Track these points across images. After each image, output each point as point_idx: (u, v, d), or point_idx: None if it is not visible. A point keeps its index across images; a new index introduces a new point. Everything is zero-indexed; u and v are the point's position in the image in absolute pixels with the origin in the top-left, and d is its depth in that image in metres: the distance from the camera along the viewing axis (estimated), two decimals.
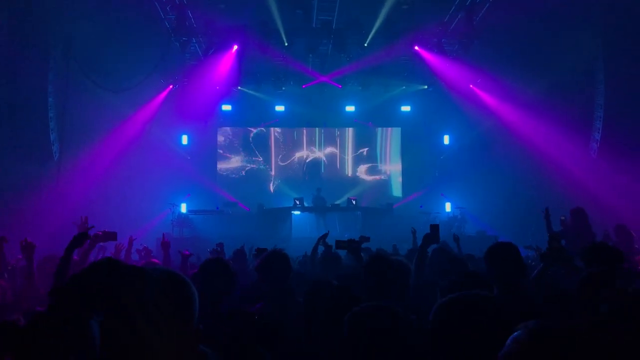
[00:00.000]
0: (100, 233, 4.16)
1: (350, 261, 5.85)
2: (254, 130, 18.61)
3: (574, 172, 12.51)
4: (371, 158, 19.41)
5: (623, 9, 11.57)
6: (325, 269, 5.30)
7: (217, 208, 15.89)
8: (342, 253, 5.77)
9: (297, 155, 19.37)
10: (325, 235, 6.42)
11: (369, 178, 19.10)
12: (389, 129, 19.06)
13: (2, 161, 10.86)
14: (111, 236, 4.15)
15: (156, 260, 6.39)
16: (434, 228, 4.27)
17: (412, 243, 7.41)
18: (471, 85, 15.47)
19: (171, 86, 15.80)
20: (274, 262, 3.78)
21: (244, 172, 18.34)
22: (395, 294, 3.43)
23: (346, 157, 19.69)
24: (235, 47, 14.61)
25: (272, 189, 18.76)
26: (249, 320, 2.78)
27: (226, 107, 17.06)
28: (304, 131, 19.45)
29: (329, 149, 19.62)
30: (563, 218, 6.78)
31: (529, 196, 13.55)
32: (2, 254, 4.83)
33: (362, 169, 19.54)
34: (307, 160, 19.33)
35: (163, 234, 5.07)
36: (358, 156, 19.57)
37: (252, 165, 18.66)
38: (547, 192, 12.62)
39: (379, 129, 19.04)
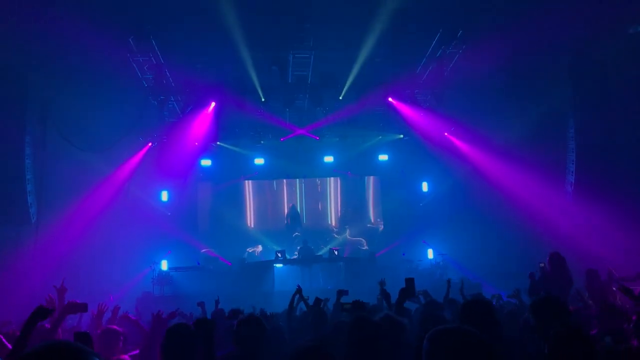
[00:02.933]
0: (69, 303, 4.10)
1: (336, 316, 5.79)
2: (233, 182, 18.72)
3: (551, 215, 12.70)
4: (353, 208, 19.51)
5: (590, 55, 12.09)
6: (310, 328, 5.16)
7: (198, 264, 15.71)
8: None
9: (278, 207, 19.42)
10: (298, 291, 6.36)
11: (351, 228, 19.13)
12: (370, 177, 19.27)
13: None
14: (80, 307, 4.09)
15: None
16: (409, 281, 4.29)
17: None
18: (446, 134, 15.81)
19: (150, 144, 15.87)
20: (245, 329, 3.73)
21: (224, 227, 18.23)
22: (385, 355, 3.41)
23: (328, 208, 19.77)
24: (213, 104, 14.85)
25: (254, 242, 18.68)
26: None
27: (205, 162, 17.14)
28: (284, 183, 19.57)
29: (310, 199, 19.71)
30: (542, 265, 6.85)
31: (509, 241, 13.70)
32: None
33: (344, 219, 19.60)
34: (288, 212, 19.34)
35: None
36: (339, 206, 19.68)
37: (233, 219, 18.63)
38: (525, 236, 12.77)
39: (359, 179, 19.22)
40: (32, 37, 10.52)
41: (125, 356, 4.35)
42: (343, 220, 19.49)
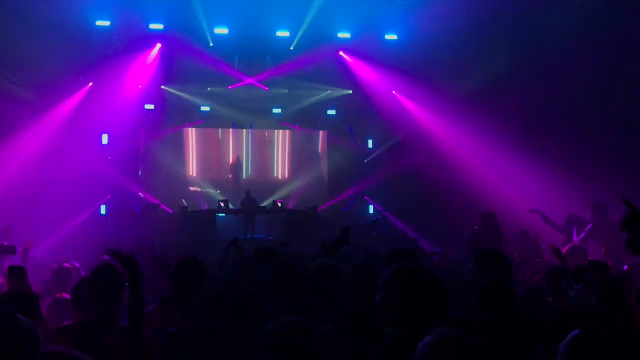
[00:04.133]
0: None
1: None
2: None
3: (491, 178, 13.10)
4: (299, 160, 19.57)
5: (532, 18, 12.37)
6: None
7: (138, 210, 15.45)
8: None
9: (223, 157, 19.22)
10: (233, 241, 6.40)
11: (296, 181, 19.21)
12: (318, 132, 19.26)
13: None
14: (8, 249, 4.02)
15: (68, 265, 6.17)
16: (345, 231, 4.40)
17: None
18: (394, 91, 15.90)
19: (91, 84, 15.21)
20: (184, 271, 3.73)
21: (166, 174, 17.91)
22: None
23: (275, 160, 19.75)
24: (159, 45, 14.31)
25: (194, 190, 18.52)
26: None
27: (149, 107, 16.61)
28: (230, 132, 19.32)
29: (256, 151, 19.62)
30: (476, 228, 7.10)
31: (448, 201, 14.12)
32: None
33: (290, 171, 19.67)
34: (232, 163, 19.21)
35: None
36: (286, 158, 19.70)
37: (175, 167, 18.34)
38: (464, 197, 13.17)
39: (306, 133, 19.20)
40: None
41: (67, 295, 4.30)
42: (291, 173, 19.55)
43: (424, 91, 14.79)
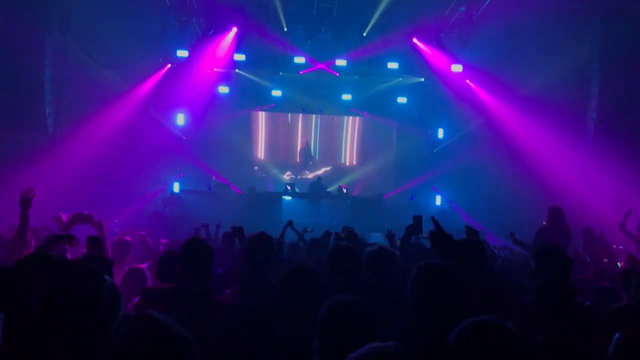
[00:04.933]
0: (77, 214, 4.28)
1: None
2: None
3: (564, 173, 12.61)
4: (366, 147, 19.53)
5: (622, 9, 11.64)
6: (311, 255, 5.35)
7: (209, 189, 15.96)
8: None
9: (291, 141, 19.47)
10: (289, 223, 6.59)
11: (363, 167, 19.20)
12: (387, 119, 19.09)
13: None
14: (87, 218, 4.29)
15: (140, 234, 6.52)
16: (417, 219, 4.38)
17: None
18: (468, 81, 15.52)
19: (169, 65, 15.76)
20: (256, 246, 3.86)
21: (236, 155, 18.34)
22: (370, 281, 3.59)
23: (342, 146, 19.80)
24: (235, 29, 14.61)
25: (263, 173, 18.90)
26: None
27: (223, 89, 17.03)
28: (300, 117, 19.51)
29: (324, 136, 19.72)
30: (544, 223, 6.87)
31: (519, 196, 13.71)
32: None
33: (357, 158, 19.67)
34: (302, 148, 19.43)
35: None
36: (355, 145, 19.71)
37: (245, 149, 18.79)
38: (536, 192, 12.74)
39: (379, 119, 19.06)
40: None
41: (142, 265, 4.55)
42: (359, 159, 19.56)
43: (499, 82, 14.36)
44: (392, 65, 15.70)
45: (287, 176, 18.73)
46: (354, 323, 2.19)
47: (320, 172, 18.83)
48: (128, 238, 5.44)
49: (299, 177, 18.66)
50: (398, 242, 5.48)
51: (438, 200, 16.63)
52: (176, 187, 15.77)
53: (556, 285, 2.93)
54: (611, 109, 12.39)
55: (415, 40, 14.75)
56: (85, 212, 4.27)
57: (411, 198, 16.25)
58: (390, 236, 5.87)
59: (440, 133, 17.50)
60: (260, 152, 19.45)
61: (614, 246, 6.97)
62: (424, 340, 2.27)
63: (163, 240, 7.39)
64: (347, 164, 19.72)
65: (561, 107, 13.00)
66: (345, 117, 19.57)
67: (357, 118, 19.54)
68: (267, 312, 2.97)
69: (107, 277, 1.83)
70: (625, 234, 7.25)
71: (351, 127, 19.84)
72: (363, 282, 3.68)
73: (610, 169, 11.30)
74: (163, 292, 3.27)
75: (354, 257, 3.60)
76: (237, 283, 3.77)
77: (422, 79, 16.86)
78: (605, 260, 6.00)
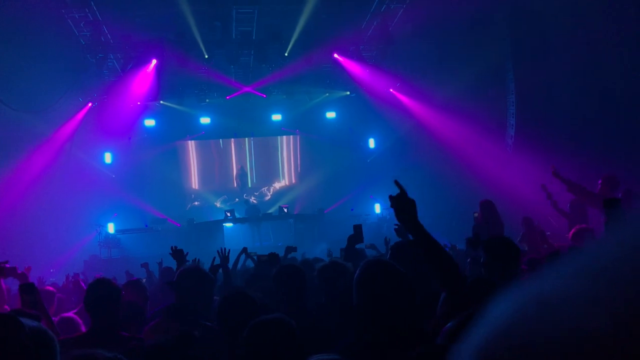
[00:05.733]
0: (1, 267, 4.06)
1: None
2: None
3: (491, 168, 13.11)
4: (302, 165, 19.60)
5: (529, 7, 12.29)
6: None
7: (146, 225, 15.51)
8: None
9: (226, 167, 19.29)
10: (244, 250, 6.61)
11: (300, 185, 19.25)
12: (318, 135, 19.25)
13: None
14: (10, 271, 4.06)
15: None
16: (357, 228, 4.43)
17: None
18: (391, 90, 15.94)
19: (90, 104, 15.31)
20: (186, 279, 3.77)
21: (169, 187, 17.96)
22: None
23: (279, 165, 19.80)
24: (154, 61, 14.38)
25: (199, 202, 18.58)
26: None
27: (149, 122, 16.71)
28: (232, 142, 19.38)
29: (259, 158, 19.66)
30: (476, 214, 7.16)
31: (452, 193, 14.12)
32: None
33: (294, 176, 19.70)
34: (236, 171, 19.27)
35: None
36: (291, 163, 19.73)
37: (178, 180, 18.44)
38: (466, 189, 13.17)
39: (307, 136, 19.20)
40: None
41: (69, 313, 4.36)
42: (296, 177, 19.60)
43: (421, 88, 14.83)
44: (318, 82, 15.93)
45: (218, 204, 18.47)
46: (273, 341, 2.27)
47: (255, 195, 18.81)
48: (49, 288, 5.30)
49: (237, 200, 18.45)
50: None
51: (377, 208, 16.88)
52: (111, 228, 15.22)
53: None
54: (529, 102, 13.00)
55: (336, 55, 15.02)
56: (7, 265, 4.04)
57: (352, 209, 16.42)
58: (330, 255, 5.95)
59: (372, 143, 17.85)
60: (194, 181, 19.13)
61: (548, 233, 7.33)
62: (364, 346, 2.28)
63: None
64: (287, 183, 19.72)
65: (482, 106, 13.55)
66: (279, 137, 19.60)
67: (291, 137, 19.62)
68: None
69: (34, 324, 1.73)
70: (558, 212, 7.64)
71: (286, 146, 19.88)
72: (314, 298, 3.68)
73: (534, 159, 11.82)
74: (74, 340, 3.19)
75: (298, 276, 3.60)
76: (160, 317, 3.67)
77: (348, 92, 17.19)
78: (545, 246, 6.27)
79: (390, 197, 2.71)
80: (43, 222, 13.23)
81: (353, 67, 15.16)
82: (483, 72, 13.51)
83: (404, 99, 15.82)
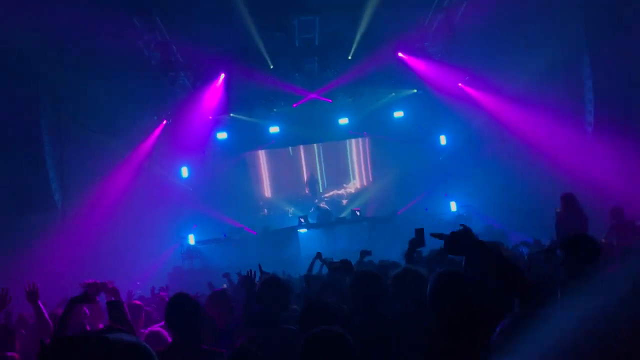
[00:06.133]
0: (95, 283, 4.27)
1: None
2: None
3: (570, 157, 12.51)
4: (375, 166, 19.51)
5: None
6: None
7: (225, 235, 15.95)
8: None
9: (296, 174, 19.52)
10: (318, 256, 6.63)
11: (372, 187, 19.15)
12: (388, 135, 19.09)
13: (7, 214, 10.98)
14: (102, 287, 4.27)
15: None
16: (419, 232, 4.36)
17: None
18: (460, 84, 15.55)
19: (165, 121, 15.94)
20: (266, 290, 3.84)
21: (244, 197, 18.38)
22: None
23: (349, 169, 19.81)
24: (223, 75, 14.81)
25: (270, 211, 18.88)
26: None
27: (221, 135, 17.16)
28: (301, 149, 19.58)
29: (329, 163, 19.75)
30: (557, 210, 6.82)
31: (530, 186, 13.60)
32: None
33: (365, 178, 19.64)
34: (307, 178, 19.46)
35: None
36: (362, 166, 19.71)
37: (251, 189, 18.86)
38: (545, 181, 12.64)
39: (376, 138, 19.08)
40: (38, 24, 10.53)
41: (156, 327, 4.51)
42: (367, 180, 19.55)
43: (490, 81, 14.38)
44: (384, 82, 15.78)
45: (291, 211, 18.66)
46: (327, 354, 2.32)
47: (327, 197, 18.92)
48: (137, 302, 5.52)
49: (311, 210, 18.60)
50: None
51: (453, 206, 16.49)
52: (191, 239, 15.77)
53: None
54: (608, 87, 12.32)
55: (400, 54, 14.85)
56: (99, 281, 4.25)
57: (426, 209, 16.13)
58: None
59: (443, 140, 17.44)
60: (267, 190, 19.47)
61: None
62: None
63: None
64: (358, 186, 19.70)
65: (555, 94, 12.97)
66: (347, 141, 19.62)
67: (360, 139, 19.58)
68: None
69: (132, 339, 1.77)
70: None
71: (355, 149, 19.87)
72: (390, 306, 3.63)
73: (616, 144, 11.19)
74: (159, 355, 3.29)
75: (375, 283, 3.56)
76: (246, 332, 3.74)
77: (415, 90, 16.91)
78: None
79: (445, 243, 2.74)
80: (129, 237, 13.89)
81: (418, 64, 14.93)
82: (555, 59, 12.92)
83: (473, 92, 15.37)
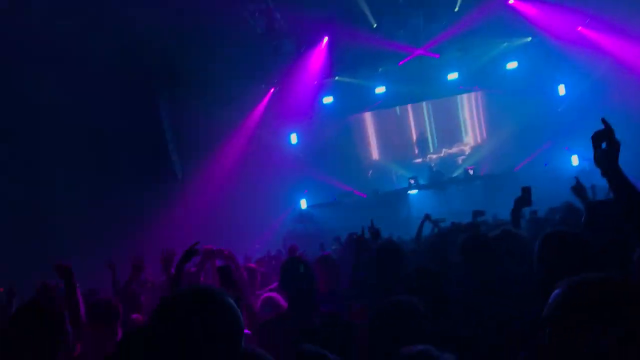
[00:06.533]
0: (211, 250, 4.43)
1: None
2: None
3: None
4: (486, 122, 18.67)
5: None
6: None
7: (335, 199, 16.16)
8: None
9: (404, 134, 19.17)
10: (427, 217, 6.49)
11: (487, 143, 18.36)
12: (500, 89, 18.11)
13: (133, 188, 11.80)
14: (218, 253, 4.44)
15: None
16: (525, 190, 4.13)
17: None
18: (579, 28, 14.24)
19: (272, 89, 16.27)
20: (383, 253, 3.77)
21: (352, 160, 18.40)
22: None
23: (462, 126, 19.14)
24: (326, 38, 14.75)
25: (378, 173, 18.75)
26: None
27: (327, 99, 17.20)
28: (409, 108, 19.15)
29: (439, 121, 19.17)
30: None
31: None
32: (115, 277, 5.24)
33: (481, 134, 18.87)
34: (416, 137, 19.04)
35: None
36: (474, 122, 18.95)
37: (360, 152, 18.83)
38: None
39: (488, 92, 18.14)
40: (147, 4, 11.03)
41: (271, 293, 4.64)
42: (480, 136, 18.79)
43: (615, 21, 13.00)
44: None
45: (400, 172, 18.40)
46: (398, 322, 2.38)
47: (437, 157, 18.44)
48: (252, 265, 5.71)
49: (419, 163, 18.23)
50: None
51: (575, 160, 15.37)
52: (303, 204, 16.16)
53: None
54: None
55: (511, 0, 13.86)
56: (215, 248, 4.43)
57: (545, 164, 15.19)
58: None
59: (562, 89, 16.19)
60: (375, 152, 19.34)
61: None
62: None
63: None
64: (472, 143, 18.98)
65: None
66: (458, 97, 18.87)
67: (472, 94, 18.75)
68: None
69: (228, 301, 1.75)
70: None
71: (467, 105, 19.09)
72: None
73: None
74: (276, 320, 3.39)
75: (487, 248, 3.37)
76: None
77: (529, 38, 15.77)
78: None
79: (594, 135, 2.34)
80: (245, 203, 14.49)
81: (531, 10, 13.86)
82: None
83: (595, 36, 14.02)
